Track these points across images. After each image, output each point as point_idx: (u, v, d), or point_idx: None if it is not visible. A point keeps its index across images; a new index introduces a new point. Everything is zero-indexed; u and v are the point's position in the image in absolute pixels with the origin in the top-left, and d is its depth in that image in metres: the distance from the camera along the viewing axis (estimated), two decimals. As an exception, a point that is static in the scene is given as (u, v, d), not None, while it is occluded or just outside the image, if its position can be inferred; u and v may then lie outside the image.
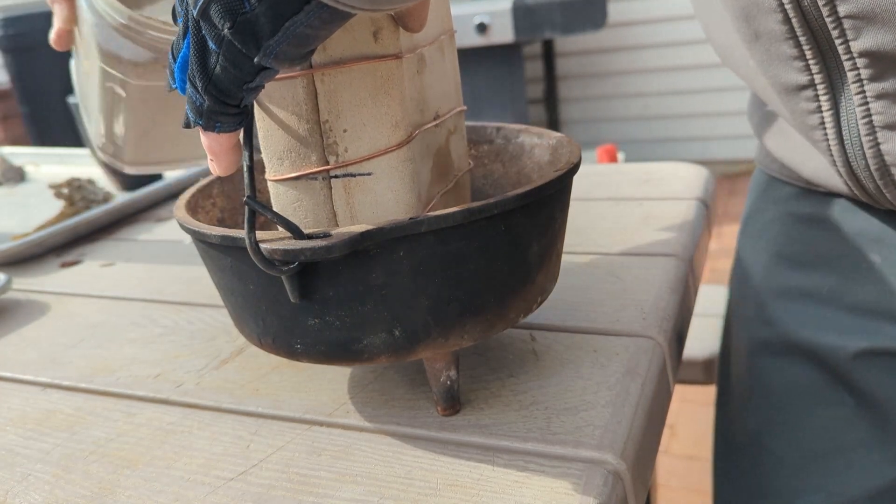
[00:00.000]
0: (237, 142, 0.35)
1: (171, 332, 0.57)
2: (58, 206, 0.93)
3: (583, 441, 0.37)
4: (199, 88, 0.32)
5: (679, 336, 0.50)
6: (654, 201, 0.69)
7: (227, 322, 0.57)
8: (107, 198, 0.92)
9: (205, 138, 0.35)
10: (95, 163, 1.00)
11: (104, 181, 1.01)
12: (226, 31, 0.29)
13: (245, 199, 0.34)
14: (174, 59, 0.33)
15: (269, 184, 0.39)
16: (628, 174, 0.78)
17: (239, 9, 0.28)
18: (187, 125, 0.34)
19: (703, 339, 1.20)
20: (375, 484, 0.37)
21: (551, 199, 0.38)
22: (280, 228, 0.34)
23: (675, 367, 0.48)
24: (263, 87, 0.33)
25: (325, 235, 0.33)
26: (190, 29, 0.31)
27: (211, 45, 0.30)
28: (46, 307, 0.65)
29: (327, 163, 0.37)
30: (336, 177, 0.37)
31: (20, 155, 1.21)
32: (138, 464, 0.41)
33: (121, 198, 0.90)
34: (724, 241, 2.55)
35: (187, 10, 0.31)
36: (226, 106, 0.32)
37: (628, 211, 0.68)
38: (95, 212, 0.83)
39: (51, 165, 1.17)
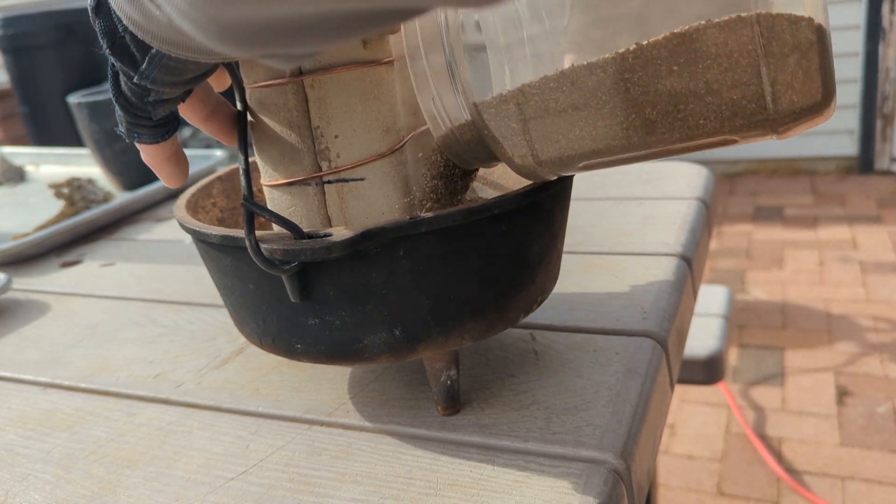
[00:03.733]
0: (171, 154, 0.37)
1: (171, 332, 0.57)
2: (58, 206, 0.93)
3: (583, 441, 0.37)
4: (114, 98, 0.33)
5: (679, 335, 0.50)
6: (654, 201, 0.69)
7: (227, 322, 0.57)
8: (107, 198, 0.92)
9: (140, 151, 0.36)
10: (95, 163, 1.00)
11: (104, 181, 1.01)
12: (107, 50, 0.30)
13: (242, 201, 0.34)
14: None
15: (265, 189, 0.39)
16: (628, 174, 0.78)
17: (114, 31, 0.29)
18: (119, 135, 0.35)
19: (703, 338, 1.20)
20: (375, 484, 0.37)
21: (551, 198, 0.38)
22: (276, 228, 0.34)
23: (675, 367, 0.48)
24: (168, 102, 0.33)
25: (326, 235, 0.33)
26: None
27: (110, 57, 0.31)
28: (46, 307, 0.65)
29: (320, 168, 0.37)
30: (329, 182, 0.37)
31: (20, 155, 1.21)
32: (138, 463, 0.41)
33: (121, 198, 0.91)
34: (724, 241, 2.55)
35: None
36: (137, 117, 0.34)
37: (628, 211, 0.68)
38: (95, 212, 0.83)
39: (51, 165, 1.17)
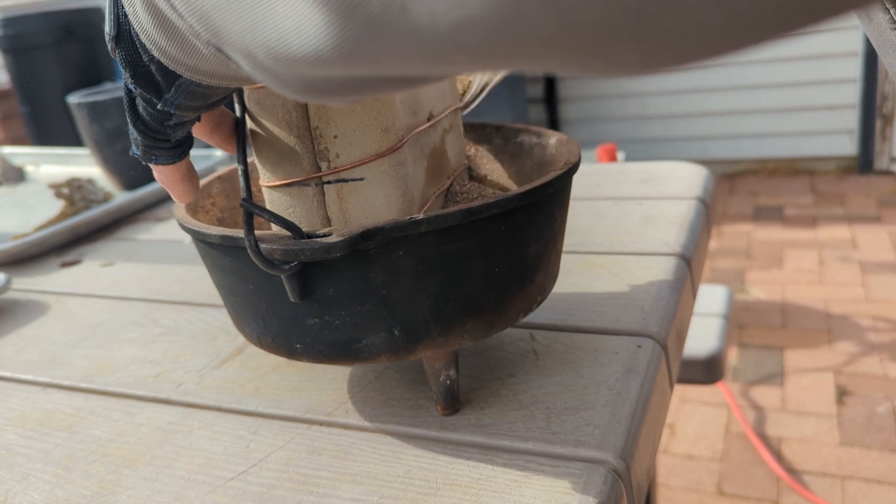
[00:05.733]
0: (185, 173, 0.37)
1: (171, 332, 0.57)
2: (58, 206, 0.93)
3: (583, 440, 0.37)
4: (131, 123, 0.33)
5: (679, 335, 0.50)
6: (654, 201, 0.69)
7: (227, 322, 0.57)
8: (107, 198, 0.92)
9: (154, 171, 0.36)
10: (95, 163, 1.00)
11: (104, 181, 1.01)
12: (129, 79, 0.30)
13: (241, 202, 0.34)
14: None
15: (264, 190, 0.39)
16: (628, 174, 0.78)
17: (138, 61, 0.29)
18: (133, 156, 0.35)
19: (703, 338, 1.20)
20: (375, 483, 0.37)
21: (551, 198, 0.38)
22: (275, 228, 0.34)
23: (674, 367, 0.48)
24: (188, 124, 0.33)
25: (325, 235, 0.33)
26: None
27: (130, 85, 0.31)
28: (46, 307, 0.65)
29: (319, 169, 0.37)
30: (328, 182, 0.37)
31: (20, 155, 1.21)
32: (139, 463, 0.41)
33: (121, 198, 0.91)
34: (724, 241, 2.55)
35: None
36: (156, 140, 0.34)
37: (628, 210, 0.68)
38: (95, 212, 0.83)
39: (51, 165, 1.17)
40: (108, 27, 0.29)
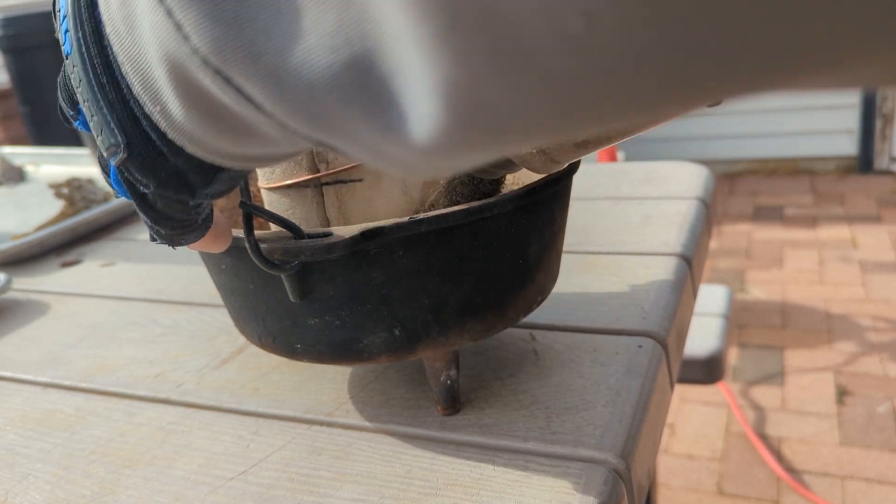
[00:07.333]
0: (224, 229, 0.33)
1: (171, 332, 0.57)
2: (58, 206, 0.93)
3: (583, 440, 0.37)
4: (150, 222, 0.28)
5: (679, 335, 0.50)
6: (655, 201, 0.69)
7: (227, 322, 0.57)
8: (107, 197, 0.92)
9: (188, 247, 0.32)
10: (95, 163, 1.00)
11: (104, 181, 1.01)
12: (152, 188, 0.25)
13: (240, 203, 0.34)
14: (107, 174, 0.29)
15: (263, 192, 0.39)
16: (628, 173, 0.78)
17: (162, 164, 0.24)
18: (153, 240, 0.30)
19: (703, 338, 1.20)
20: (375, 483, 0.37)
21: (551, 198, 0.38)
22: (275, 228, 0.34)
23: (675, 367, 0.48)
24: (217, 196, 0.29)
25: (326, 235, 0.33)
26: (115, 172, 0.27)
27: (142, 189, 0.26)
28: (46, 307, 0.65)
29: (318, 170, 0.37)
30: (327, 184, 0.37)
31: (20, 155, 1.21)
32: (138, 463, 0.41)
33: (121, 198, 0.90)
34: (724, 241, 2.55)
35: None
36: (184, 228, 0.29)
37: (628, 210, 0.68)
38: (95, 212, 0.83)
39: (51, 165, 1.17)
40: (107, 139, 0.24)
